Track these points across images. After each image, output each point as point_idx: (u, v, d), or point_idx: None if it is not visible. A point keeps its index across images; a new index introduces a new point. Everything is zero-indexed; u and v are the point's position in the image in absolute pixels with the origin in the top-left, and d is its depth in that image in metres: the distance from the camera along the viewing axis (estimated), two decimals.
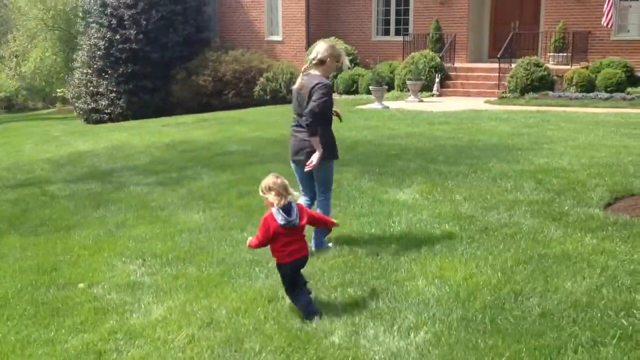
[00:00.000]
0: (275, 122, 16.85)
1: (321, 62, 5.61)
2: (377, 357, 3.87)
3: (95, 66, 25.39)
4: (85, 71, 25.98)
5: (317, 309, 4.47)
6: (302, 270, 4.63)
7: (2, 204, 9.70)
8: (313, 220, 4.84)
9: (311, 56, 5.66)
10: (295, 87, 5.80)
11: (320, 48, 5.65)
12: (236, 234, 6.65)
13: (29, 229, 7.88)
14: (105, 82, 25.16)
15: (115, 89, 25.00)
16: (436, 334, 4.07)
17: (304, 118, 5.52)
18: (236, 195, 8.54)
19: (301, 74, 5.74)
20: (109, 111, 25.15)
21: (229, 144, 13.63)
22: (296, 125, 5.81)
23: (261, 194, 4.57)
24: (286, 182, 4.56)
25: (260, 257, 5.84)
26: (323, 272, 5.30)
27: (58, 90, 39.14)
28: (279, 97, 23.26)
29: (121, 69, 24.56)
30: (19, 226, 8.09)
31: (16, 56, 40.78)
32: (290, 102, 6.28)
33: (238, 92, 24.01)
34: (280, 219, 4.42)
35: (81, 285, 5.57)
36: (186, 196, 8.83)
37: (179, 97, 24.72)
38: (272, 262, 5.62)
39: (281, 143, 12.87)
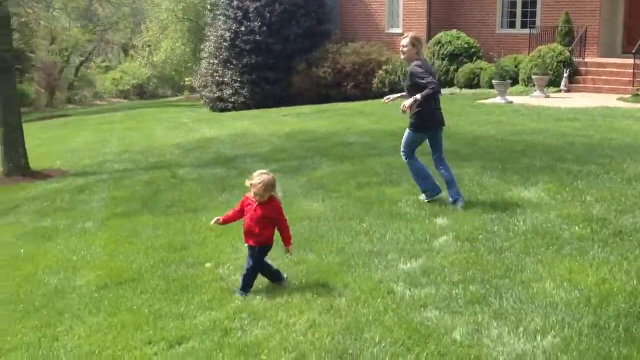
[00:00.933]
0: (394, 115, 16.76)
1: None
2: (501, 358, 3.77)
3: (221, 57, 26.32)
4: (211, 61, 27.01)
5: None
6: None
7: (136, 185, 10.32)
8: None
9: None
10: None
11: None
12: (356, 225, 6.70)
13: (160, 210, 8.33)
14: (230, 73, 26.04)
15: (239, 79, 25.81)
16: (565, 339, 3.91)
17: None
18: (355, 186, 8.59)
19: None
20: (233, 100, 26.03)
21: (348, 135, 13.73)
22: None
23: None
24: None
25: (379, 248, 5.86)
26: (444, 268, 5.23)
27: (186, 79, 41.01)
28: (397, 90, 22.94)
29: (245, 60, 25.31)
30: (151, 206, 8.56)
31: (149, 46, 43.14)
32: None
33: (357, 84, 24.10)
34: None
35: (208, 265, 5.82)
36: (306, 185, 9.00)
37: (299, 88, 25.16)
38: (391, 254, 5.65)
39: (400, 136, 12.80)
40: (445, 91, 21.97)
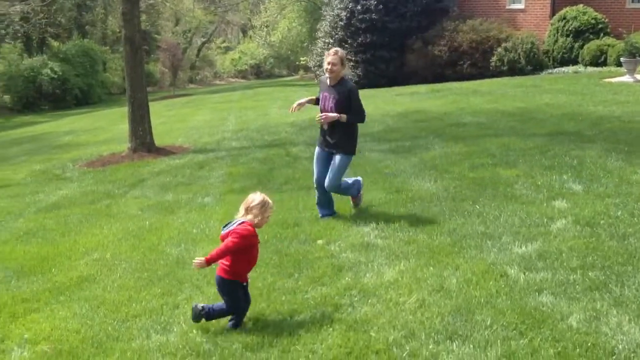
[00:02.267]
0: (512, 94, 16.21)
1: None
2: (619, 347, 3.60)
3: (336, 36, 26.43)
4: (326, 41, 27.19)
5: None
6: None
7: (252, 162, 10.64)
8: None
9: None
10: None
11: None
12: (468, 206, 6.58)
13: (274, 186, 8.55)
14: (344, 52, 26.12)
15: (353, 58, 25.83)
16: None
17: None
18: (469, 167, 8.42)
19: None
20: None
21: (462, 115, 13.43)
22: None
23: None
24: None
25: (492, 230, 5.73)
26: (561, 252, 5.04)
27: (301, 58, 41.54)
28: (517, 69, 22.31)
29: (360, 39, 25.28)
30: (266, 183, 8.81)
31: (266, 26, 44.06)
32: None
33: (473, 63, 23.48)
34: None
35: (320, 241, 5.93)
36: (418, 165, 8.91)
37: (413, 66, 24.85)
38: (505, 236, 5.51)
39: (518, 116, 12.39)
40: (568, 69, 20.99)
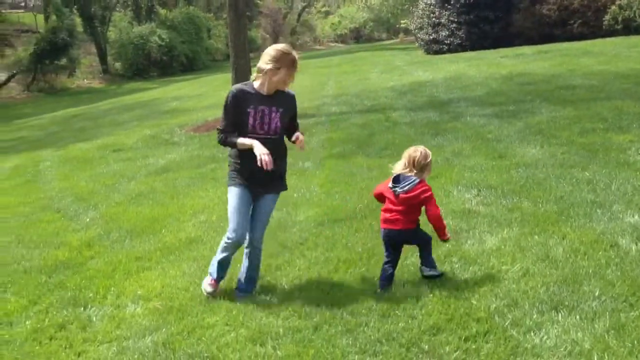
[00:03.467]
0: (627, 55, 15.28)
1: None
2: None
3: None
4: (428, 2, 26.55)
5: (386, 286, 4.29)
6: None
7: (352, 127, 10.66)
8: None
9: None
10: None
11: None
12: (577, 173, 6.31)
13: (374, 152, 8.54)
14: (447, 13, 25.43)
15: (456, 20, 25.13)
16: None
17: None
18: (578, 132, 8.05)
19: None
20: (448, 42, 25.48)
21: (572, 77, 12.81)
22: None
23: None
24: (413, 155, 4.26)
25: (602, 199, 5.48)
26: None
27: (402, 21, 40.88)
28: (632, 27, 20.96)
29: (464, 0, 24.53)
30: (365, 148, 8.81)
31: None
32: None
33: (585, 22, 22.27)
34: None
35: None
36: (523, 130, 8.62)
37: (519, 27, 23.87)
38: (617, 205, 5.27)
39: (633, 78, 11.68)
40: None
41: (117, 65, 39.45)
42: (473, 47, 24.31)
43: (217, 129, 4.50)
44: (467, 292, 4.06)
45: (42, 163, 11.67)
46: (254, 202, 4.49)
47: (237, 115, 4.37)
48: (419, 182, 4.25)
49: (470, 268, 4.44)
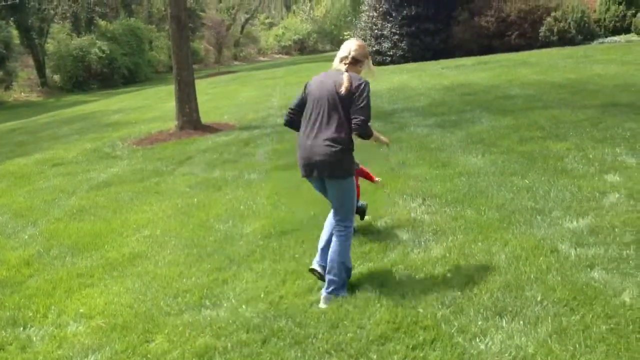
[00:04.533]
0: (562, 65, 15.80)
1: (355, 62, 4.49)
2: None
3: (380, 9, 26.12)
4: (371, 14, 26.89)
5: None
6: None
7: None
8: None
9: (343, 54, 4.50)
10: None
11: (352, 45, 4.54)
12: (517, 180, 6.47)
13: None
14: (389, 25, 25.80)
15: (398, 32, 25.51)
16: None
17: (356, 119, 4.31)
18: (517, 140, 8.27)
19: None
20: (391, 53, 25.84)
21: (510, 87, 13.16)
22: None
23: None
24: None
25: (542, 205, 5.63)
26: (614, 227, 4.92)
27: (345, 33, 41.30)
28: (567, 38, 21.73)
29: (405, 12, 24.93)
30: None
31: (310, 0, 43.80)
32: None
33: (522, 33, 22.95)
34: None
35: (367, 217, 5.92)
36: (465, 139, 8.79)
37: (459, 39, 24.42)
38: (556, 211, 5.41)
39: (567, 88, 12.07)
40: (621, 38, 20.33)
41: (56, 77, 38.46)
42: (415, 59, 24.73)
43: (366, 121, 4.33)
44: (413, 300, 4.10)
45: None
46: None
47: None
48: None
49: (417, 276, 4.49)
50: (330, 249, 4.39)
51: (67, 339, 4.25)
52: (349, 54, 4.48)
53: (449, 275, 4.43)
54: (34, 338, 4.34)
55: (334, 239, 4.43)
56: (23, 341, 4.30)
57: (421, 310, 3.94)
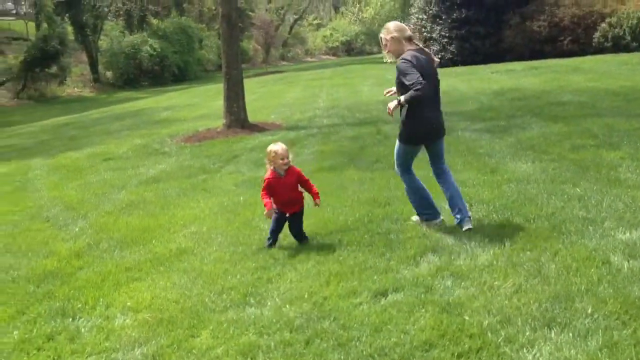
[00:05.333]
0: (617, 72, 15.42)
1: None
2: None
3: (430, 12, 25.95)
4: (420, 17, 26.74)
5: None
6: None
7: (343, 140, 10.67)
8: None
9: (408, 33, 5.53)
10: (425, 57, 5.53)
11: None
12: (568, 189, 6.33)
13: (365, 165, 8.54)
14: (438, 28, 25.61)
15: (447, 35, 25.30)
16: None
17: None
18: (569, 148, 8.10)
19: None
20: (439, 57, 25.56)
21: (562, 93, 12.91)
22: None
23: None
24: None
25: (593, 215, 5.50)
26: None
27: None
28: (621, 45, 21.19)
29: (455, 15, 24.70)
30: (357, 161, 8.81)
31: (359, 2, 43.79)
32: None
33: (575, 39, 22.49)
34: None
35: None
36: (514, 145, 8.66)
37: (510, 43, 24.07)
38: (608, 221, 5.28)
39: (622, 95, 11.78)
40: None
41: (108, 74, 39.37)
42: (464, 62, 24.48)
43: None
44: (459, 307, 4.04)
45: (31, 171, 11.59)
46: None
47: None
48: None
49: (463, 283, 4.43)
50: (453, 189, 5.65)
51: (114, 331, 4.33)
52: (411, 33, 5.51)
53: (496, 283, 4.35)
54: (83, 329, 4.43)
55: (450, 180, 5.71)
56: (72, 332, 4.40)
57: (467, 318, 3.88)
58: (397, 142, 5.70)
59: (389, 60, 5.62)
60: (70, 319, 4.62)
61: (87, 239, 6.69)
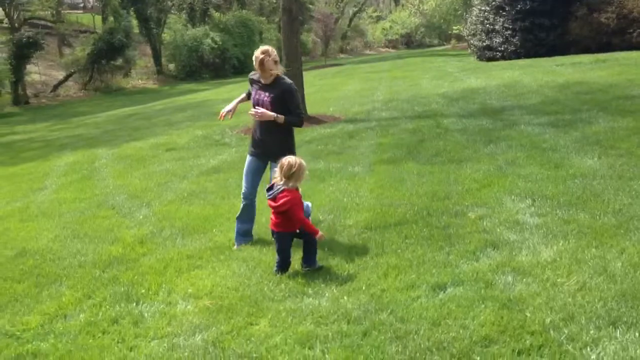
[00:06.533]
0: None
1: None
2: None
3: (493, 3, 25.41)
4: (483, 8, 26.22)
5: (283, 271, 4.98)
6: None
7: (402, 133, 10.59)
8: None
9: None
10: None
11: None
12: (636, 185, 6.12)
13: (424, 158, 8.46)
14: (501, 20, 25.07)
15: (510, 27, 24.75)
16: None
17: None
18: (637, 143, 7.83)
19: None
20: (502, 49, 25.12)
21: (631, 87, 12.46)
22: None
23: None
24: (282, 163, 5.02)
25: None
26: None
27: (454, 27, 40.50)
28: None
29: (519, 6, 24.12)
30: (415, 154, 8.74)
31: None
32: None
33: None
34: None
35: (472, 215, 5.80)
36: (580, 140, 8.42)
37: (575, 35, 23.35)
38: None
39: None
40: None
41: (171, 66, 40.18)
42: (527, 55, 23.91)
43: None
44: (521, 304, 3.97)
45: (97, 160, 11.95)
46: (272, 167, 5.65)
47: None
48: (283, 191, 4.93)
49: (524, 279, 4.34)
50: None
51: (176, 316, 4.44)
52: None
53: (559, 280, 4.25)
54: (146, 314, 4.55)
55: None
56: (135, 316, 4.53)
57: (529, 315, 3.81)
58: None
59: (262, 81, 5.75)
60: (134, 304, 4.75)
61: (150, 226, 6.86)
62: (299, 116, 5.76)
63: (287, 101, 5.66)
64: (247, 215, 5.95)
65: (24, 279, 5.63)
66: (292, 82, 5.81)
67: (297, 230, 5.06)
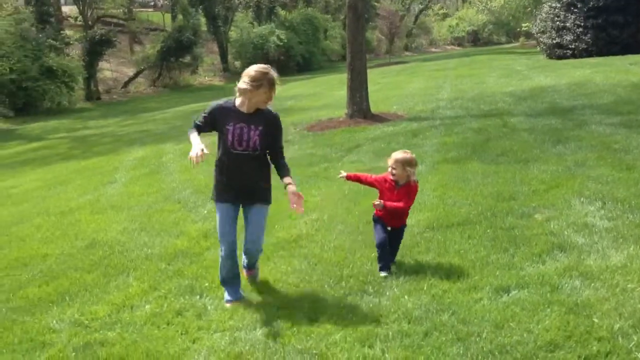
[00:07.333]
0: None
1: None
2: None
3: (564, 0, 24.72)
4: (553, 5, 25.54)
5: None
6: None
7: (467, 132, 10.43)
8: None
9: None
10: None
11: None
12: None
13: (489, 158, 8.30)
14: (572, 17, 24.36)
15: (582, 24, 24.02)
16: None
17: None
18: None
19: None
20: (572, 47, 24.40)
21: None
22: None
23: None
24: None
25: None
26: None
27: (523, 24, 39.60)
28: None
29: (592, 3, 23.38)
30: (481, 154, 8.59)
31: None
32: None
33: None
34: None
35: (538, 217, 5.66)
36: None
37: None
38: None
39: None
40: None
41: (237, 63, 40.77)
42: (599, 53, 23.16)
43: (193, 120, 4.80)
44: (588, 309, 3.85)
45: (165, 155, 12.25)
46: (246, 212, 4.79)
47: (213, 126, 4.67)
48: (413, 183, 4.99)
49: (593, 284, 4.21)
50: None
51: (238, 311, 4.50)
52: None
53: (629, 286, 4.11)
54: (209, 307, 4.64)
55: None
56: (199, 309, 4.62)
57: (596, 321, 3.69)
58: (265, 208, 4.95)
59: (244, 110, 4.61)
60: (198, 297, 4.85)
61: (214, 221, 6.94)
62: (284, 157, 4.77)
63: (274, 137, 4.65)
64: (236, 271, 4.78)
65: (93, 269, 5.83)
66: (276, 111, 4.70)
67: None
